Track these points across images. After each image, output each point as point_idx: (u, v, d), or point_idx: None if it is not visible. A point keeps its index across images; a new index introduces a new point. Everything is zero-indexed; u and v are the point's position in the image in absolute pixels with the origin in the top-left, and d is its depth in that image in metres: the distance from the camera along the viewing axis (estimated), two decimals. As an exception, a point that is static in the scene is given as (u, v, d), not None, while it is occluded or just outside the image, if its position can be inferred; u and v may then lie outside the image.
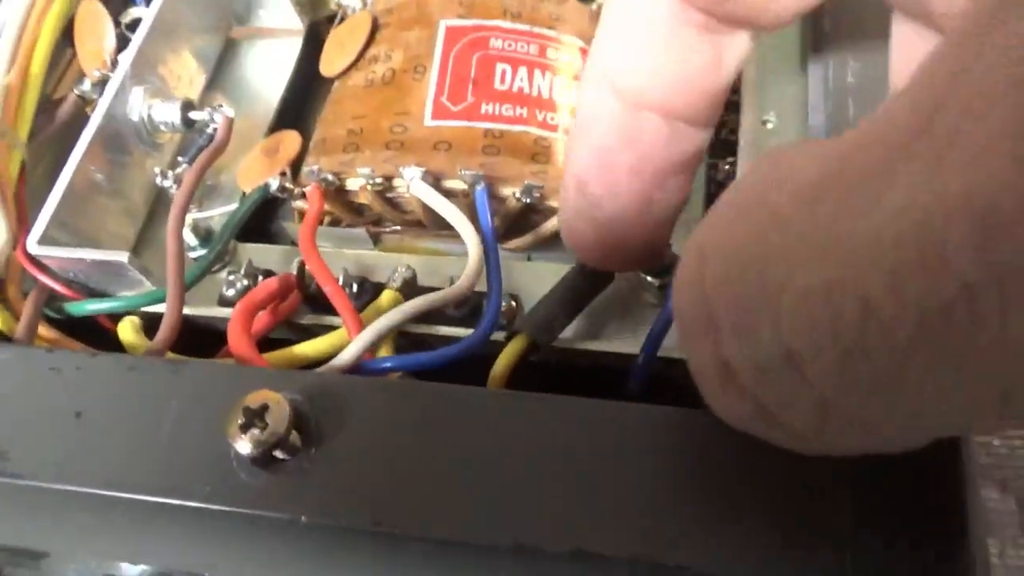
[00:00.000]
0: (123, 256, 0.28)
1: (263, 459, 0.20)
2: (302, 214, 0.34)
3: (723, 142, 0.31)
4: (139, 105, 0.33)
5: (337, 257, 0.32)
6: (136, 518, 0.21)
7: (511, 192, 0.30)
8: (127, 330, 0.28)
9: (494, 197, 0.30)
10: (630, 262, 0.25)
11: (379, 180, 0.31)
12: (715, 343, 0.14)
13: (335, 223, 0.34)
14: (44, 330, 0.28)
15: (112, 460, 0.21)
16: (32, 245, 0.29)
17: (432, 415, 0.21)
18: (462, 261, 0.31)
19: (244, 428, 0.20)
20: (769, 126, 0.26)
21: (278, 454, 0.21)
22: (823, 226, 0.12)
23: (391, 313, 0.25)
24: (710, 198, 0.31)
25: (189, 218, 0.32)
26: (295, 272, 0.29)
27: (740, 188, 0.15)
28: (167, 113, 0.33)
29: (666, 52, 0.19)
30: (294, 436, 0.21)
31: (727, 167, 0.30)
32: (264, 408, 0.20)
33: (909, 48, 0.18)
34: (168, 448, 0.21)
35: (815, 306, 0.11)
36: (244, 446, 0.20)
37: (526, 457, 0.20)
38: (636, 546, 0.19)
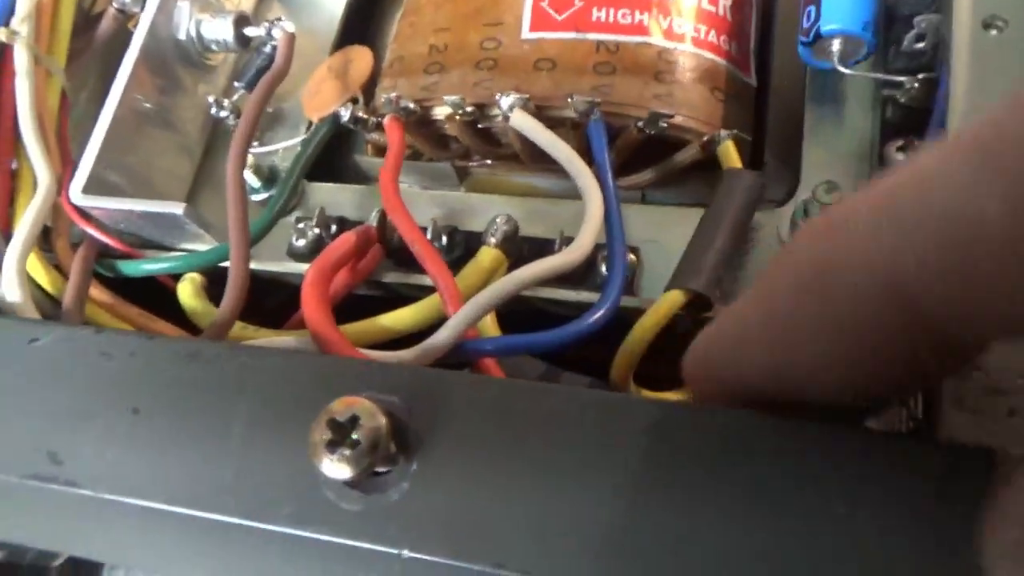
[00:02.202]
0: (178, 208, 0.24)
1: (355, 479, 0.17)
2: (377, 147, 0.29)
3: (904, 54, 0.24)
4: (186, 21, 0.28)
5: (420, 200, 0.28)
6: (204, 539, 0.18)
7: (632, 121, 0.25)
8: (187, 293, 0.24)
9: (611, 128, 0.25)
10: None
11: (470, 108, 0.25)
12: None
13: (415, 157, 0.29)
14: (96, 291, 0.25)
15: (175, 470, 0.18)
16: (76, 195, 0.25)
17: (553, 420, 0.17)
18: (568, 204, 0.26)
19: (331, 445, 0.16)
20: (994, 32, 0.19)
21: (377, 469, 0.17)
22: None
23: (495, 286, 0.21)
24: (887, 126, 0.24)
25: (249, 156, 0.28)
26: (375, 224, 0.25)
27: None
28: (218, 30, 0.28)
29: None
30: (391, 448, 0.17)
31: (915, 85, 0.23)
32: (354, 420, 0.16)
33: None
34: (241, 457, 0.18)
35: None
36: (331, 467, 0.16)
37: (685, 481, 0.16)
38: None
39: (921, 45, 0.23)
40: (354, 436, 0.16)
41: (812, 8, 0.24)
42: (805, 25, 0.24)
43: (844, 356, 0.13)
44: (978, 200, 0.10)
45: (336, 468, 0.16)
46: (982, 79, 0.19)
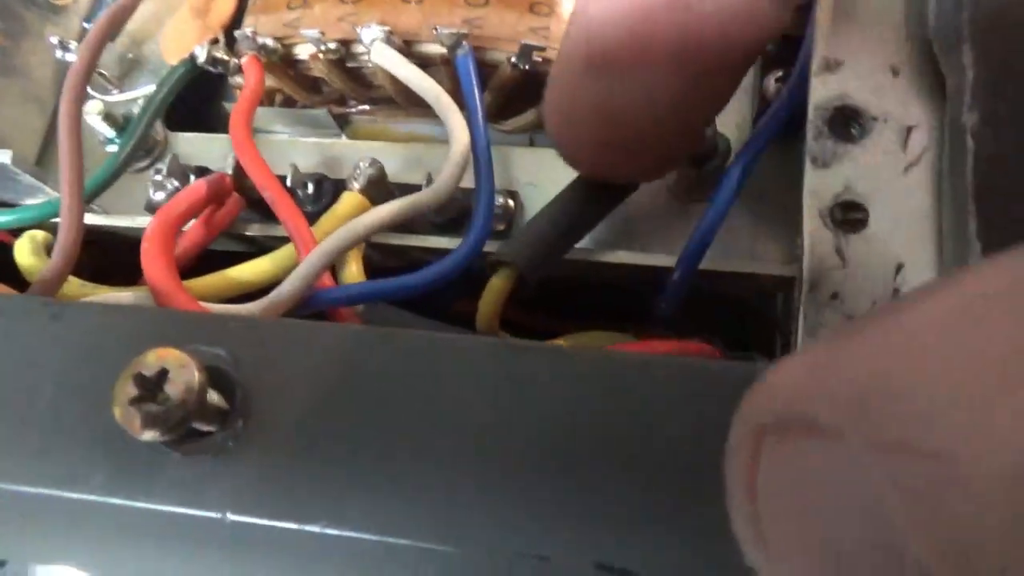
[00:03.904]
0: (5, 156, 0.22)
1: (170, 439, 0.15)
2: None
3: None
4: (23, -47, 0.26)
5: (292, 148, 0.26)
6: (13, 512, 0.16)
7: (505, 56, 0.23)
8: (24, 251, 0.22)
9: (483, 64, 0.23)
10: (644, 171, 0.18)
11: (332, 45, 0.24)
12: None
13: (289, 103, 0.27)
14: (-76, 252, 0.23)
15: (-22, 438, 0.16)
16: None
17: (394, 371, 0.16)
18: (445, 148, 0.25)
19: (137, 402, 0.15)
20: None
21: (197, 426, 0.15)
22: None
23: (346, 228, 0.19)
24: (765, 57, 0.23)
25: (101, 104, 0.26)
26: (231, 170, 0.23)
27: None
28: (60, -37, 0.26)
29: None
30: (216, 402, 0.16)
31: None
32: (163, 374, 0.15)
33: None
34: (50, 421, 0.16)
35: None
36: (138, 425, 0.15)
37: (525, 433, 0.15)
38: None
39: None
40: (165, 391, 0.15)
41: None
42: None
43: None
44: None
45: (143, 428, 0.15)
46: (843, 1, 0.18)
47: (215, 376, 0.16)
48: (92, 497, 0.15)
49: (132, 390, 0.15)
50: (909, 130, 0.17)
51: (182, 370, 0.15)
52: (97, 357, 0.16)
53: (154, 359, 0.15)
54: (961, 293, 0.08)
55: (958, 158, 0.15)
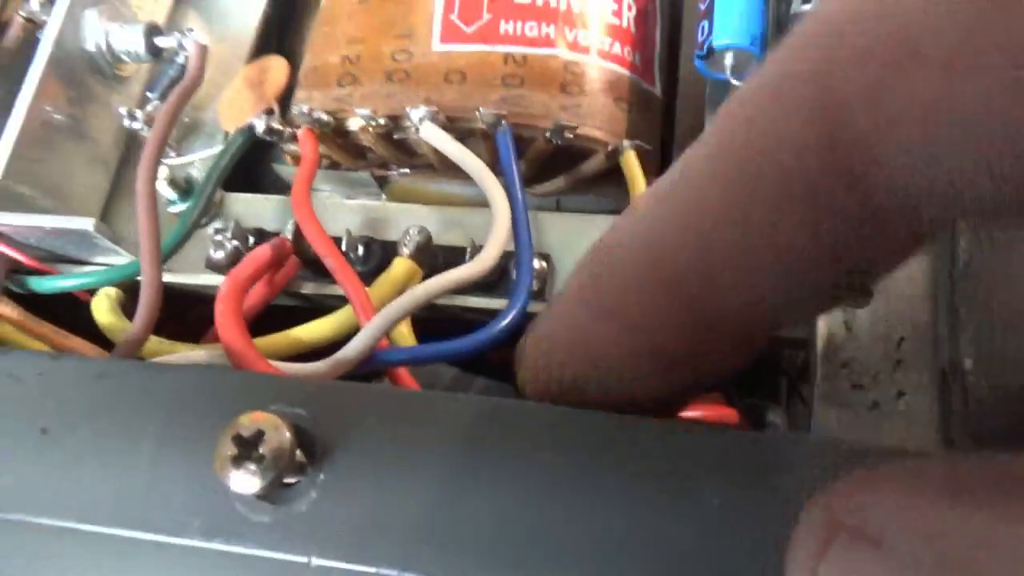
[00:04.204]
0: (88, 224, 0.24)
1: (262, 492, 0.17)
2: (295, 157, 0.29)
3: None
4: (94, 30, 0.28)
5: (339, 210, 0.28)
6: (117, 556, 0.18)
7: (540, 132, 0.26)
8: (102, 309, 0.24)
9: (518, 138, 0.26)
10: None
11: (382, 121, 0.26)
12: None
13: (334, 166, 0.30)
14: (6, 308, 0.25)
15: (86, 488, 0.18)
16: (-19, 210, 0.24)
17: (460, 431, 0.18)
18: (482, 212, 0.27)
19: (237, 461, 0.17)
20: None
21: (280, 481, 0.17)
22: None
23: (405, 297, 0.21)
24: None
25: (164, 168, 0.28)
26: (290, 236, 0.25)
27: None
28: (128, 40, 0.28)
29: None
30: (298, 457, 0.18)
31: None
32: (259, 435, 0.17)
33: None
34: (151, 473, 0.18)
35: None
36: (238, 482, 0.17)
37: (582, 489, 0.17)
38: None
39: (806, 59, 0.25)
40: (260, 450, 0.17)
41: (706, 23, 0.25)
42: (700, 39, 0.25)
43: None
44: None
45: (243, 482, 0.17)
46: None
47: (299, 433, 0.18)
48: (190, 542, 0.17)
49: (232, 449, 0.17)
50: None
51: (275, 431, 0.17)
52: (192, 416, 0.18)
53: (249, 421, 0.17)
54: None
55: (950, 242, 0.17)
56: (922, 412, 0.18)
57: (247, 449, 0.17)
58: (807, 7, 0.25)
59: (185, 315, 0.28)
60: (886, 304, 0.19)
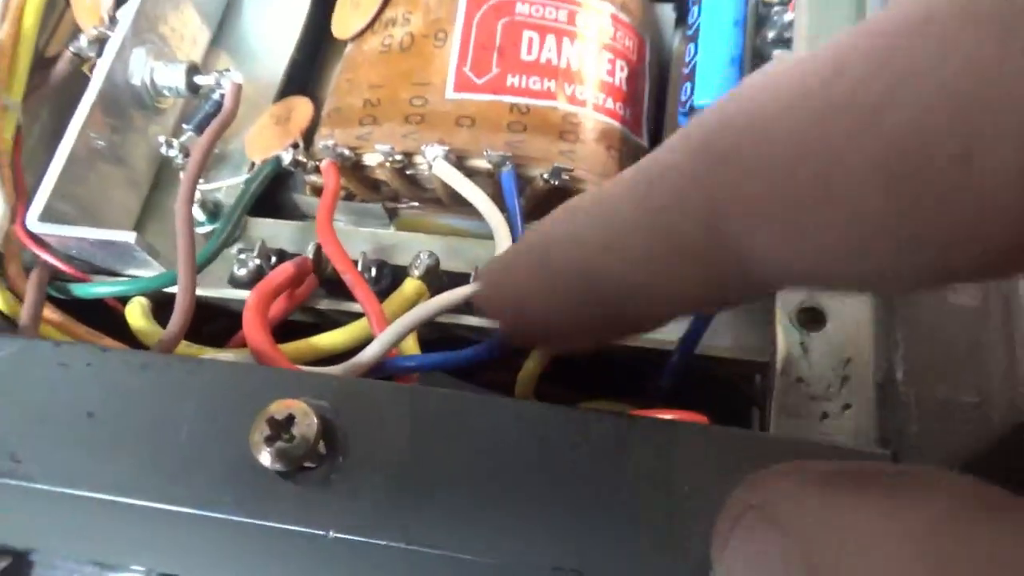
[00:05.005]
0: (130, 236, 0.26)
1: (289, 471, 0.19)
2: (314, 188, 0.32)
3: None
4: (141, 68, 0.31)
5: (353, 236, 0.31)
6: (154, 526, 0.20)
7: (539, 173, 0.29)
8: (136, 314, 0.27)
9: (521, 178, 0.29)
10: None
11: (399, 157, 0.29)
12: None
13: (349, 198, 0.32)
14: (48, 312, 0.27)
15: (129, 464, 0.20)
16: (33, 222, 0.27)
17: (461, 425, 0.20)
18: (485, 243, 0.30)
19: (269, 440, 0.19)
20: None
21: (305, 463, 0.20)
22: None
23: (415, 311, 0.24)
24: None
25: (196, 192, 0.31)
26: (311, 255, 0.28)
27: None
28: (171, 77, 0.31)
29: None
30: (320, 445, 0.20)
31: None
32: (290, 419, 0.19)
33: None
34: (187, 454, 0.20)
35: None
36: (269, 459, 0.19)
37: (568, 475, 0.19)
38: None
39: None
40: (291, 432, 0.19)
41: (688, 84, 0.29)
42: (683, 99, 0.29)
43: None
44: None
45: (273, 460, 0.19)
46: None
47: (323, 423, 0.20)
48: (222, 515, 0.20)
49: (265, 430, 0.19)
50: (856, 255, 0.22)
51: (305, 416, 0.19)
52: (226, 403, 0.21)
53: (281, 407, 0.20)
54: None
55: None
56: (865, 423, 0.20)
57: (278, 431, 0.19)
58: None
59: (200, 330, 0.30)
60: (837, 327, 0.22)
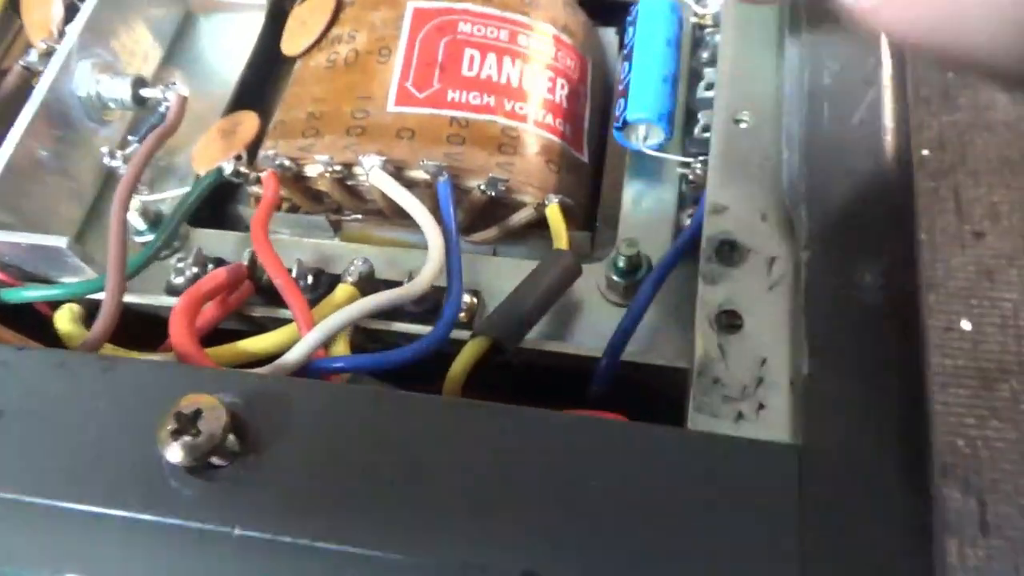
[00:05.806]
0: (62, 241, 0.26)
1: (196, 467, 0.19)
2: (258, 199, 0.32)
3: (697, 140, 0.30)
4: (86, 80, 0.31)
5: (294, 246, 0.31)
6: (58, 526, 0.20)
7: (476, 184, 0.29)
8: (64, 319, 0.27)
9: (458, 189, 0.29)
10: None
11: (338, 167, 0.29)
12: None
13: (293, 210, 0.33)
14: (-24, 317, 0.27)
15: (34, 464, 0.20)
16: (-35, 227, 0.27)
17: (379, 422, 0.20)
18: (424, 254, 0.30)
19: (176, 434, 0.19)
20: (743, 126, 0.25)
21: (214, 460, 0.20)
22: None
23: (342, 311, 0.24)
24: (682, 198, 0.30)
25: (138, 201, 0.31)
26: (246, 262, 0.28)
27: None
28: (116, 89, 0.32)
29: None
30: (231, 441, 0.20)
31: (699, 166, 0.29)
32: (197, 413, 0.19)
33: None
34: (95, 452, 0.20)
35: None
36: (174, 453, 0.19)
37: (480, 470, 0.19)
38: (585, 567, 0.18)
39: (707, 135, 0.29)
40: (197, 427, 0.19)
41: (623, 100, 0.29)
42: (617, 113, 0.29)
43: None
44: None
45: (178, 453, 0.19)
46: (729, 159, 0.24)
47: (234, 419, 0.20)
48: (127, 513, 0.19)
49: (172, 424, 0.19)
50: (772, 260, 0.23)
51: (213, 411, 0.19)
52: (139, 400, 0.21)
53: (189, 402, 0.19)
54: None
55: (797, 283, 0.20)
56: (778, 421, 0.21)
57: (186, 425, 0.19)
58: (710, 93, 0.30)
59: (139, 338, 0.30)
60: (754, 330, 0.22)
